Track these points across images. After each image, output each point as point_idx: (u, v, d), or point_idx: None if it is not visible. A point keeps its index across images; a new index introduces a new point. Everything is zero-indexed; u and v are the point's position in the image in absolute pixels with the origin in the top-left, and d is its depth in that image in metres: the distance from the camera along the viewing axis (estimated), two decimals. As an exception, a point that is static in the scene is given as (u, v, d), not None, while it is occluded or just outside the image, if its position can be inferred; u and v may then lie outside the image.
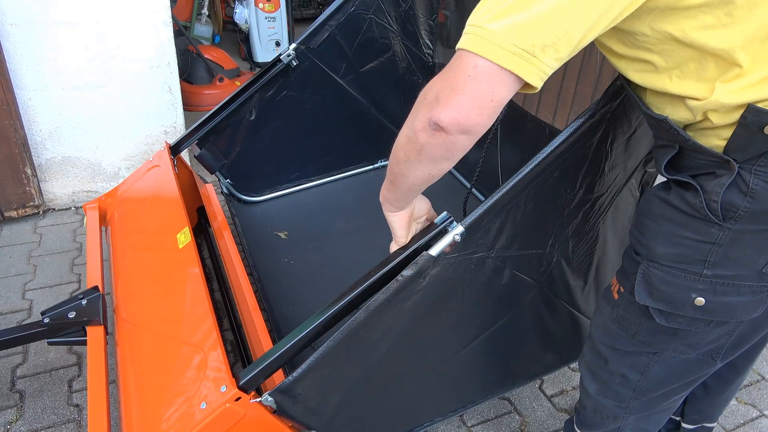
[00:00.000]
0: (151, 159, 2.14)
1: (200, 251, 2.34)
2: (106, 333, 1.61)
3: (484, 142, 2.18)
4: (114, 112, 2.51)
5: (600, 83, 3.34)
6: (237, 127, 2.21)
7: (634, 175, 1.31)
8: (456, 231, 1.13)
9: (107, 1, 2.27)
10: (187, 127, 2.74)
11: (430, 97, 0.82)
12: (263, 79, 2.16)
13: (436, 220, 1.19)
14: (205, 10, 4.35)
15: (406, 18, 2.24)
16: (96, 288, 1.69)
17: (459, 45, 0.77)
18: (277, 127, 2.28)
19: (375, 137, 2.50)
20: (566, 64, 3.21)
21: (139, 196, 2.07)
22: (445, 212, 1.18)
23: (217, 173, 2.27)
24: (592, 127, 1.11)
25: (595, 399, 1.25)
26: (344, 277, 2.04)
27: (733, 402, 1.87)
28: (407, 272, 1.15)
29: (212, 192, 2.17)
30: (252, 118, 2.21)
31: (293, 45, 2.12)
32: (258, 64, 4.43)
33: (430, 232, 1.18)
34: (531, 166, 1.10)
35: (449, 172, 2.59)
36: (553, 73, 0.80)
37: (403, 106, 2.48)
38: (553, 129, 1.91)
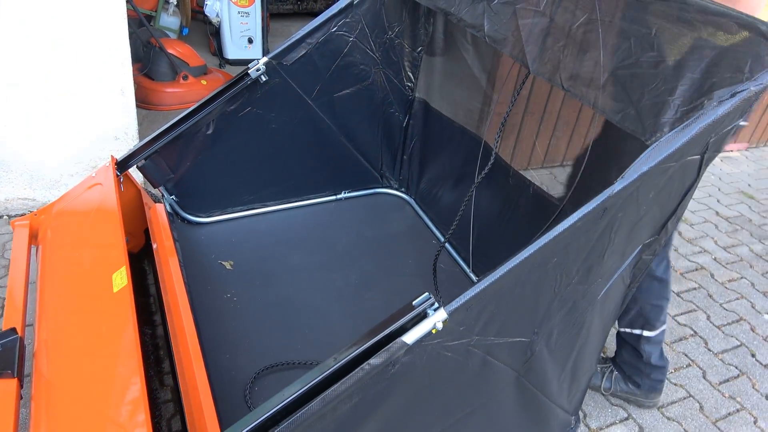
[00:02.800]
0: (93, 175, 1.91)
1: (145, 277, 2.13)
2: (20, 386, 1.39)
3: (464, 195, 2.03)
4: (58, 114, 2.25)
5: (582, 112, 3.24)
6: (190, 140, 2.00)
7: (630, 261, 1.17)
8: (438, 317, 0.98)
9: (55, -9, 2.02)
10: (140, 132, 2.51)
11: None
12: (228, 94, 1.95)
13: (414, 302, 1.03)
14: (172, 0, 4.07)
15: (390, 47, 2.07)
16: (13, 330, 1.47)
17: None
18: (235, 144, 2.08)
19: (341, 166, 2.31)
20: (550, 92, 3.09)
21: (76, 217, 1.85)
22: (426, 293, 1.02)
23: (162, 188, 2.06)
24: (601, 212, 0.96)
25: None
26: (291, 322, 1.86)
27: None
28: (375, 361, 0.99)
29: (161, 213, 1.96)
30: (209, 132, 2.01)
31: (264, 59, 1.92)
32: (228, 61, 4.18)
33: (407, 315, 1.01)
34: (530, 252, 0.95)
35: (422, 219, 2.39)
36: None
37: (376, 137, 2.30)
38: (537, 189, 1.76)
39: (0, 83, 2.10)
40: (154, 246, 1.85)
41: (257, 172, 2.19)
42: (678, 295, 2.57)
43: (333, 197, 2.37)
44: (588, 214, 0.94)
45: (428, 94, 2.21)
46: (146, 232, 2.14)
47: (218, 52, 4.23)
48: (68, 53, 2.15)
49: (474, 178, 1.89)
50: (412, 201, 2.43)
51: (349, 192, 2.38)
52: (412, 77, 2.19)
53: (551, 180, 3.39)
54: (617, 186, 0.93)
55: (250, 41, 4.17)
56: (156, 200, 2.09)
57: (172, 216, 2.10)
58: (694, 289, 2.62)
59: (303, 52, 1.96)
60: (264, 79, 1.95)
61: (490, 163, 1.68)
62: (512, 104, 1.72)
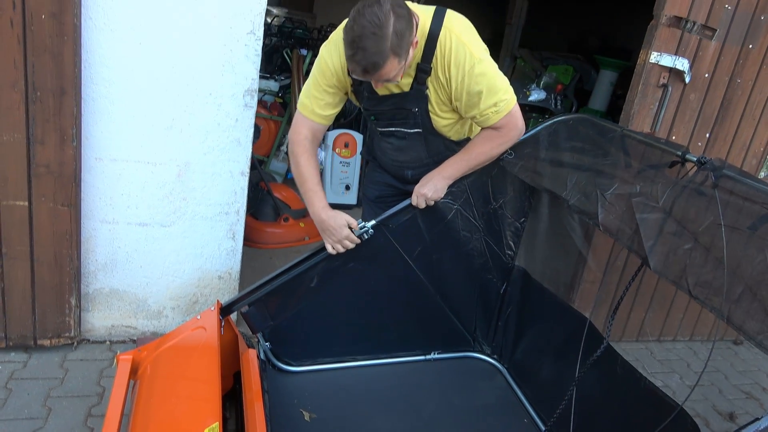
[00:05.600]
0: (198, 318, 1.99)
1: (226, 421, 2.12)
2: None
3: (563, 374, 1.93)
4: (172, 252, 2.43)
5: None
6: (293, 291, 2.07)
7: None
8: None
9: (189, 146, 2.27)
10: (242, 274, 2.64)
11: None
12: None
13: None
14: (284, 147, 4.46)
15: (492, 216, 2.13)
16: (101, 476, 1.47)
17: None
18: (333, 297, 2.12)
19: (434, 327, 2.29)
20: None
21: (176, 359, 1.90)
22: None
23: (259, 334, 2.10)
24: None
25: None
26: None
27: None
28: None
29: (253, 360, 1.98)
30: (312, 284, 2.07)
31: (373, 222, 2.01)
32: (324, 204, 4.43)
33: None
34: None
35: (515, 393, 2.26)
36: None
37: (471, 300, 2.29)
38: (650, 385, 1.63)
39: (132, 223, 2.31)
40: (244, 395, 1.85)
41: (351, 326, 2.21)
42: None
43: (422, 357, 2.32)
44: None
45: (528, 264, 2.21)
46: (235, 375, 2.17)
47: (317, 195, 4.50)
48: (194, 201, 2.37)
49: (576, 359, 1.80)
50: (504, 370, 2.33)
51: (439, 353, 2.33)
52: (512, 246, 2.21)
53: (648, 357, 3.18)
54: (764, 423, 0.85)
55: (348, 188, 4.43)
56: (249, 345, 2.13)
57: (265, 363, 2.12)
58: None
59: (408, 216, 2.05)
60: (367, 236, 2.02)
61: (600, 351, 1.60)
62: (626, 290, 1.68)
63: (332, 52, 1.84)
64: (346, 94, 1.96)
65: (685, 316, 3.33)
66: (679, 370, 3.11)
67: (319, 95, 1.89)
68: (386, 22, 1.54)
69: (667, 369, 3.10)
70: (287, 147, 4.52)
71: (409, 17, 1.62)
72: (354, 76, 1.73)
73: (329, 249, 1.96)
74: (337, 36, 1.82)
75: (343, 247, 1.95)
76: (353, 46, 1.56)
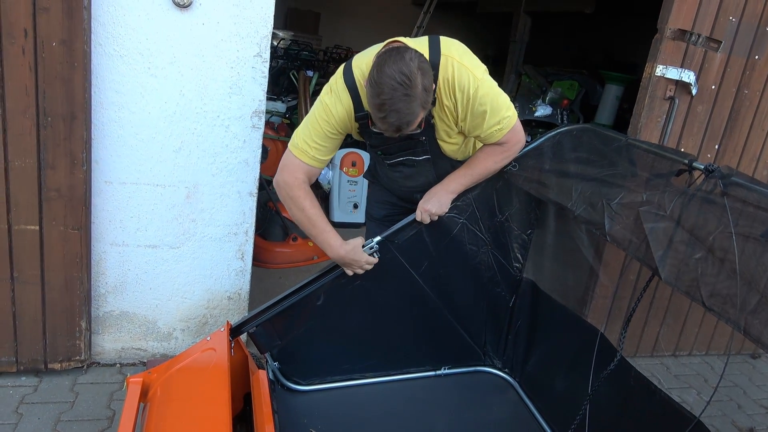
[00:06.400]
0: (208, 339, 1.99)
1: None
2: None
3: (576, 386, 1.91)
4: (182, 273, 2.43)
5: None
6: (301, 310, 2.06)
7: None
8: None
9: (198, 168, 2.29)
10: (251, 295, 2.64)
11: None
12: (339, 270, 2.04)
13: None
14: (291, 167, 4.48)
15: (499, 229, 2.12)
16: (112, 501, 1.46)
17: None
18: (341, 315, 2.11)
19: (443, 342, 2.27)
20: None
21: (186, 381, 1.89)
22: None
23: (267, 354, 2.09)
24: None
25: None
26: None
27: None
28: None
29: (264, 381, 1.97)
30: (319, 303, 2.07)
31: (378, 238, 2.01)
32: (334, 224, 4.43)
33: None
34: None
35: (527, 407, 2.24)
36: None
37: (480, 314, 2.27)
38: (665, 397, 1.60)
39: (142, 245, 2.32)
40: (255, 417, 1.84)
41: (359, 343, 2.19)
42: None
43: (433, 373, 2.30)
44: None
45: (537, 276, 2.20)
46: (246, 396, 2.16)
47: (326, 214, 4.51)
48: (203, 222, 2.38)
49: (589, 372, 1.77)
50: (516, 384, 2.30)
51: (449, 368, 2.31)
52: (520, 258, 2.19)
53: (664, 372, 3.13)
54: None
55: (356, 206, 4.43)
56: (259, 366, 2.12)
57: (274, 383, 2.10)
58: None
59: (414, 231, 2.05)
60: (377, 257, 2.02)
61: (613, 365, 1.57)
62: (638, 302, 1.66)
63: (335, 101, 1.83)
64: (344, 134, 1.96)
65: (700, 330, 3.28)
66: (695, 385, 3.05)
67: (321, 142, 1.87)
68: (415, 81, 1.54)
69: (684, 384, 3.05)
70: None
71: (429, 68, 1.62)
72: (377, 131, 1.77)
73: (348, 272, 1.99)
74: (337, 84, 1.84)
75: (363, 270, 1.98)
76: (383, 108, 1.57)
